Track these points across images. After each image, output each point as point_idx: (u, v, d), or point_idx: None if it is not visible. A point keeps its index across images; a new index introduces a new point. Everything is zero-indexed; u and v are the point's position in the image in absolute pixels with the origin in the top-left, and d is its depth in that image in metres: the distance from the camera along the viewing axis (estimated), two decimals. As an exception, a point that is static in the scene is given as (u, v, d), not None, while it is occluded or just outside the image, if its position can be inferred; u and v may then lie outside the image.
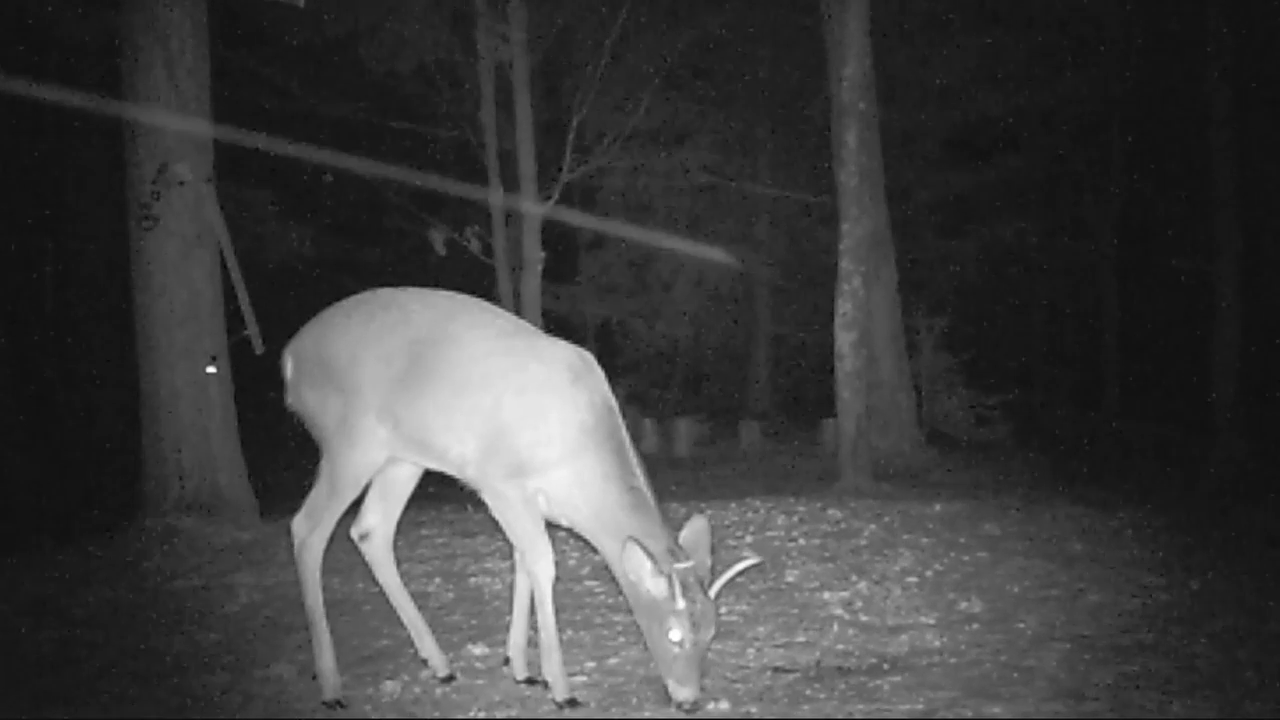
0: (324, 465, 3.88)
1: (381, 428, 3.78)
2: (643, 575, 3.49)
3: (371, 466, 3.86)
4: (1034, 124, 19.12)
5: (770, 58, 17.79)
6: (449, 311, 3.86)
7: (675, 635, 3.46)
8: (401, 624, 4.22)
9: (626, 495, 3.60)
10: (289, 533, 3.95)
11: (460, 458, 3.74)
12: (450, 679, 4.03)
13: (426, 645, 4.10)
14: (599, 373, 3.76)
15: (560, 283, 17.22)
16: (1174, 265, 17.44)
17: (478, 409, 3.68)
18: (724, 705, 3.66)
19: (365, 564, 4.22)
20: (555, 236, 14.75)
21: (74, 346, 16.43)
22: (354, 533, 4.09)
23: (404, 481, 4.10)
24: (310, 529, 3.87)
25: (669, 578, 3.46)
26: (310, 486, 3.95)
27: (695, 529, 3.62)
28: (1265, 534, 6.56)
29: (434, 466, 3.89)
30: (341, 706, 3.83)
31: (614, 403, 3.72)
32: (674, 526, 3.66)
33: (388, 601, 4.21)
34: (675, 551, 3.54)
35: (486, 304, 4.06)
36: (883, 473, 10.28)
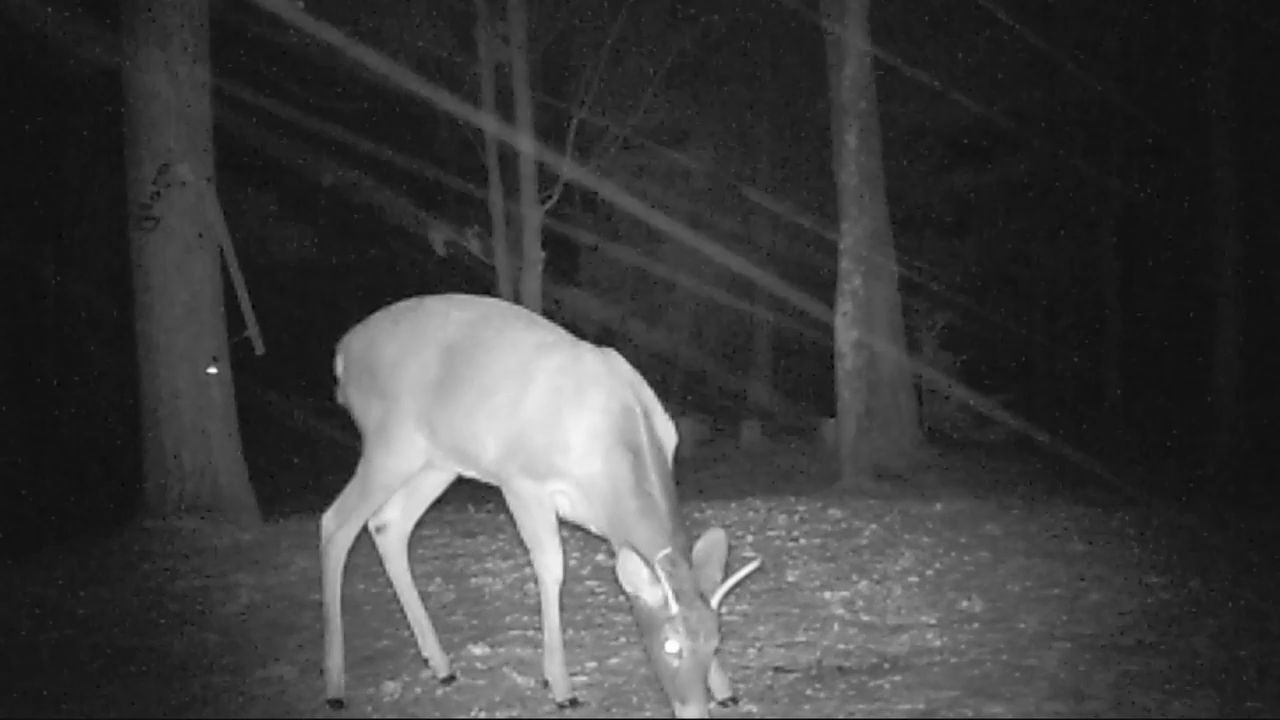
0: (360, 465, 3.92)
1: (419, 435, 3.82)
2: (638, 584, 3.35)
3: (405, 473, 3.90)
4: (1034, 124, 19.12)
5: (770, 58, 17.79)
6: (484, 317, 3.88)
7: (672, 646, 3.29)
8: (403, 624, 4.23)
9: (635, 501, 3.50)
10: (318, 527, 4.00)
11: (491, 464, 3.74)
12: (451, 679, 4.04)
13: (429, 644, 4.10)
14: (621, 375, 3.68)
15: (561, 284, 17.22)
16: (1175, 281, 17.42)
17: (497, 412, 3.69)
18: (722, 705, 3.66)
19: (367, 564, 4.25)
20: (556, 237, 14.76)
21: (74, 347, 16.43)
22: (371, 523, 4.10)
23: (433, 485, 4.13)
24: (338, 525, 3.92)
25: (661, 583, 3.34)
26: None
27: (710, 541, 3.48)
28: (1265, 534, 6.56)
29: (472, 475, 3.92)
30: (341, 706, 3.83)
31: (636, 405, 3.61)
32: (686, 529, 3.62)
33: (390, 601, 4.22)
34: (675, 560, 3.40)
35: (523, 310, 4.10)
36: (883, 472, 10.28)
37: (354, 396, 3.99)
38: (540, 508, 3.68)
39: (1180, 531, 6.54)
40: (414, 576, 4.26)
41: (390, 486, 3.92)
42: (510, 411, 3.66)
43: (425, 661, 4.11)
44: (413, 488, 4.09)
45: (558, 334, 3.89)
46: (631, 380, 3.70)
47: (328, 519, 3.96)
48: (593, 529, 3.73)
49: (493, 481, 3.84)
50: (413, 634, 4.21)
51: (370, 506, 3.93)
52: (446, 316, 3.89)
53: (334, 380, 4.11)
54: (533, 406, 3.64)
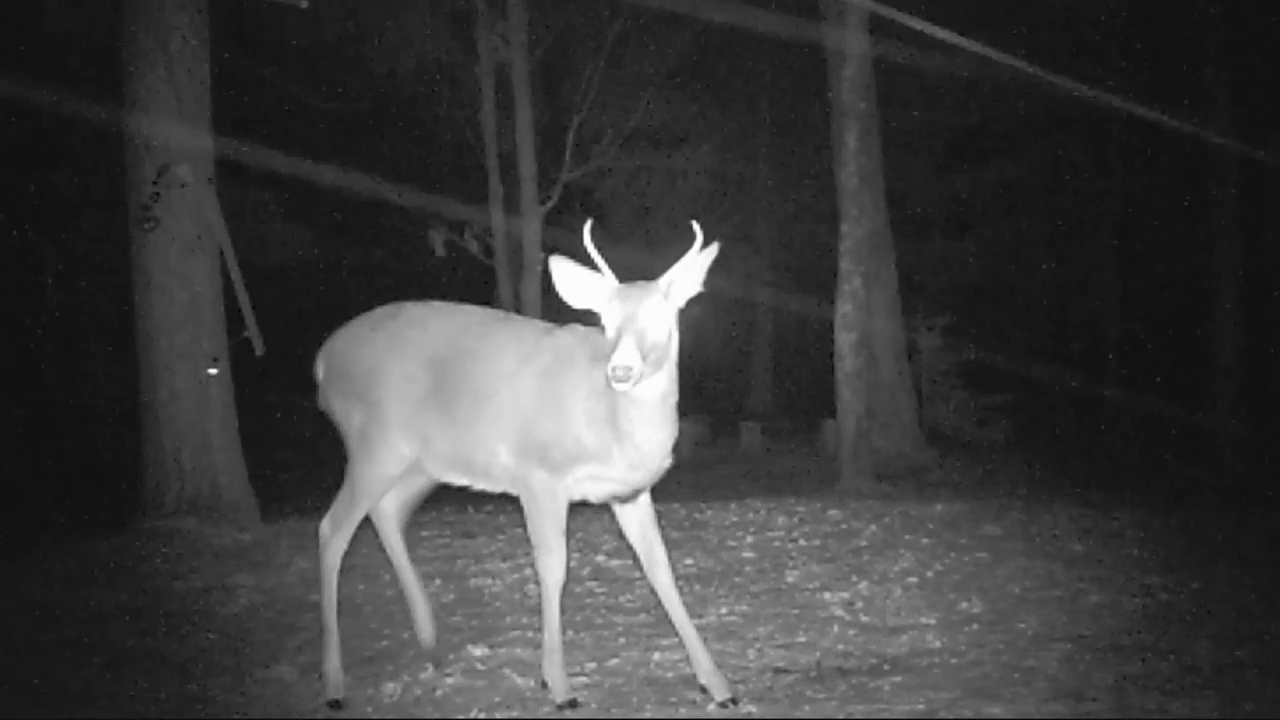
0: (348, 471, 3.96)
1: (405, 444, 3.85)
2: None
3: (389, 479, 3.94)
4: (1034, 124, 19.12)
5: (770, 58, 17.80)
6: (465, 326, 3.90)
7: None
8: (403, 625, 4.26)
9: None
10: (316, 532, 4.05)
11: (503, 470, 3.76)
12: (435, 666, 4.13)
13: (419, 614, 4.18)
14: (596, 344, 3.67)
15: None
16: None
17: (500, 414, 3.71)
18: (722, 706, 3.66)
19: (366, 565, 4.28)
20: (555, 237, 14.77)
21: (74, 347, 16.44)
22: (326, 526, 4.13)
23: (422, 482, 4.16)
24: (333, 531, 3.98)
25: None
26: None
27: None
28: (1266, 534, 6.56)
29: (482, 486, 3.91)
30: (340, 707, 3.84)
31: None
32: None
33: (390, 602, 4.26)
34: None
35: (498, 312, 4.13)
36: (883, 473, 10.28)
37: (334, 402, 4.01)
38: (553, 504, 3.67)
39: (1180, 532, 6.54)
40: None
41: (376, 492, 3.96)
42: (512, 409, 3.69)
43: (414, 634, 4.21)
44: (406, 481, 4.10)
45: (533, 326, 3.95)
46: (597, 350, 3.67)
47: (324, 526, 4.01)
48: (624, 491, 3.69)
49: (504, 488, 3.84)
50: (409, 633, 4.29)
51: (360, 512, 3.98)
52: (427, 327, 3.90)
53: (315, 385, 4.11)
54: (530, 396, 3.67)
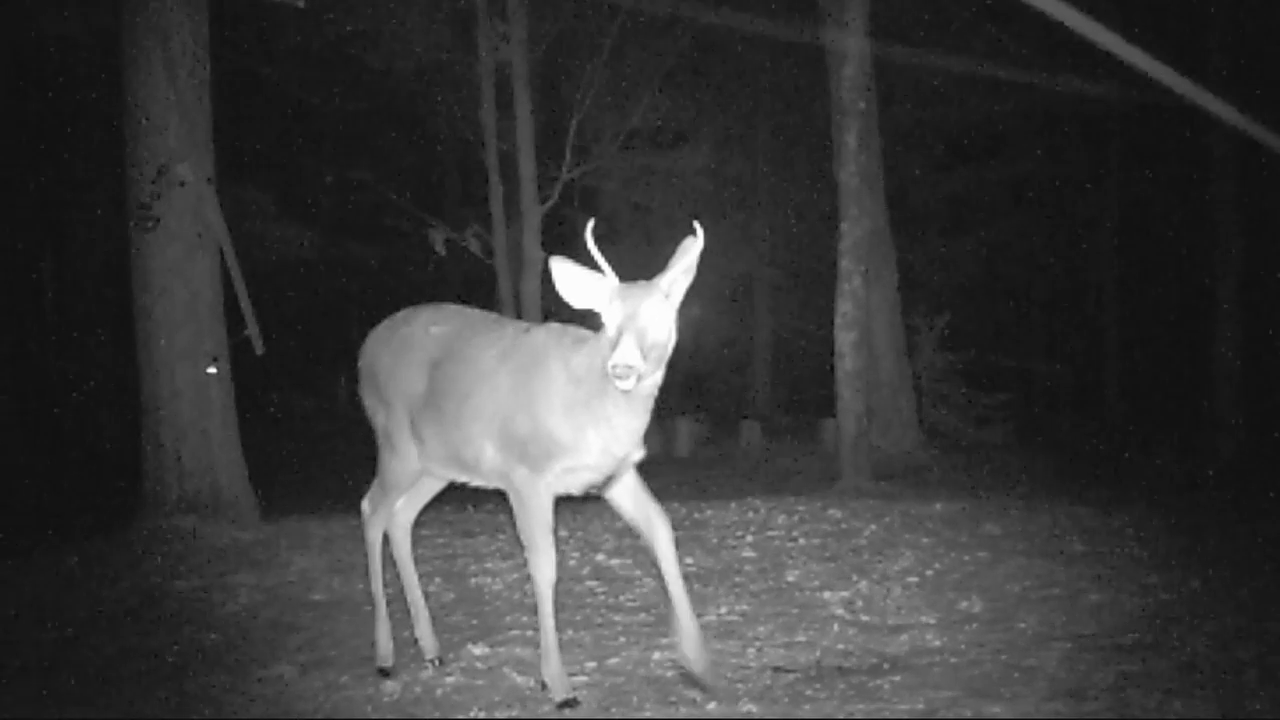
0: (378, 462, 4.19)
1: (413, 445, 4.03)
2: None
3: (411, 474, 4.15)
4: (1034, 124, 19.14)
5: (770, 58, 17.81)
6: (458, 330, 4.01)
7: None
8: (403, 625, 4.26)
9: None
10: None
11: (491, 466, 3.82)
12: (439, 661, 4.18)
13: (421, 625, 4.25)
14: (575, 336, 3.72)
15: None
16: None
17: (480, 412, 3.79)
18: (721, 705, 3.65)
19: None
20: (555, 237, 14.78)
21: (74, 347, 16.44)
22: (366, 505, 4.29)
23: (433, 482, 4.30)
24: (372, 510, 4.25)
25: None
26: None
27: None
28: (1265, 534, 6.56)
29: (477, 482, 4.00)
30: (388, 676, 4.04)
31: (594, 360, 3.58)
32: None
33: (390, 601, 4.27)
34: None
35: (493, 316, 4.19)
36: (883, 472, 10.28)
37: (365, 398, 4.24)
38: (536, 501, 3.69)
39: (1180, 531, 6.54)
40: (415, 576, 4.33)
41: (401, 485, 4.17)
42: (491, 406, 3.77)
43: (415, 641, 4.25)
44: (418, 483, 4.27)
45: (515, 326, 4.02)
46: (579, 336, 3.74)
47: (365, 503, 4.27)
48: (599, 479, 3.72)
49: (497, 484, 3.89)
50: (409, 632, 4.31)
51: (391, 499, 4.20)
52: (427, 332, 4.04)
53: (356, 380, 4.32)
54: (506, 393, 3.74)
